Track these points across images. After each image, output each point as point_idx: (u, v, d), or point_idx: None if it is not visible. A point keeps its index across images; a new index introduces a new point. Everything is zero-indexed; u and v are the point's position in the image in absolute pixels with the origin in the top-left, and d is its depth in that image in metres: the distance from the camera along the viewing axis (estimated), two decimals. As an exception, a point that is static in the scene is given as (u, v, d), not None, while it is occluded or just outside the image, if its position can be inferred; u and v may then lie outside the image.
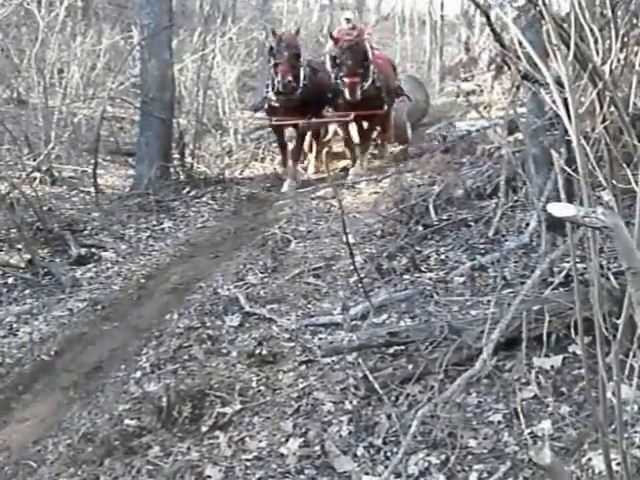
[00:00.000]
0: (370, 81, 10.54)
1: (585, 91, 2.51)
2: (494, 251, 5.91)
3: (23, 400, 4.87)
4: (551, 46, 2.15)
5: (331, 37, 11.09)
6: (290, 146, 11.25)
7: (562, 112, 2.06)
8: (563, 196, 2.21)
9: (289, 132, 11.12)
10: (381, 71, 11.07)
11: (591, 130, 2.53)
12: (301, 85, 10.37)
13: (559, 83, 2.22)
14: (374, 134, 11.82)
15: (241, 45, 16.81)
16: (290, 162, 11.01)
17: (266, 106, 10.89)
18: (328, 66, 11.11)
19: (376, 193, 9.22)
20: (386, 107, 11.16)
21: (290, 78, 10.09)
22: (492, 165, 7.90)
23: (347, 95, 10.29)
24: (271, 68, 10.55)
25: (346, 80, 10.30)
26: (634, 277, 2.00)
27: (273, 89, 10.43)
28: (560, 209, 1.97)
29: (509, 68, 4.96)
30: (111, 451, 4.04)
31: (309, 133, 11.53)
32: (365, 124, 11.12)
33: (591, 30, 2.60)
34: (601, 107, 2.52)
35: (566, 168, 2.17)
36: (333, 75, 10.70)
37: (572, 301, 2.71)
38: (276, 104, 10.54)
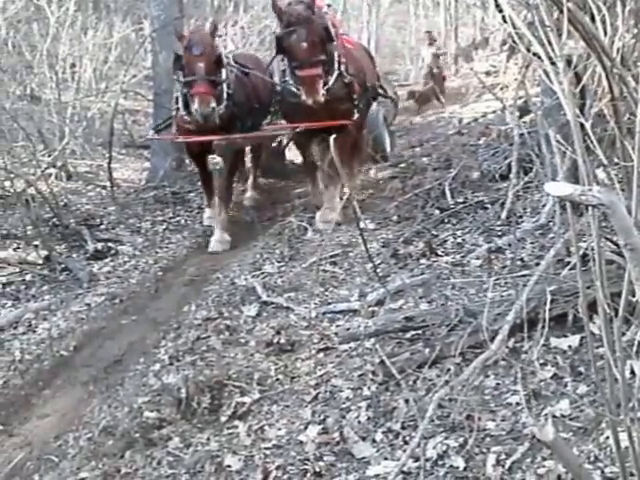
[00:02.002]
0: (336, 75, 7.21)
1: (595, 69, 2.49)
2: (511, 233, 5.87)
3: (43, 396, 4.91)
4: (544, 27, 2.13)
5: (274, 8, 7.10)
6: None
7: (559, 90, 2.04)
8: (561, 175, 2.20)
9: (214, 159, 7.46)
10: (351, 60, 7.62)
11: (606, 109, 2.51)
12: (224, 97, 7.40)
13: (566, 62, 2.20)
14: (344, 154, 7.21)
15: (253, 34, 16.81)
16: (217, 203, 7.79)
17: (175, 128, 8.05)
18: (273, 54, 7.99)
19: (392, 178, 9.15)
20: (358, 115, 7.63)
21: (213, 105, 7.04)
22: (508, 147, 7.84)
23: (304, 96, 6.89)
24: (180, 86, 7.47)
25: (300, 73, 6.93)
26: (632, 254, 1.99)
27: (186, 109, 7.35)
28: (557, 188, 1.97)
29: (518, 49, 4.92)
30: (131, 443, 4.08)
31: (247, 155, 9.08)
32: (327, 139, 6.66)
33: (598, 8, 2.57)
34: (610, 85, 2.49)
35: (564, 147, 2.14)
36: (281, 69, 7.50)
37: (588, 280, 2.69)
38: (190, 126, 7.47)
